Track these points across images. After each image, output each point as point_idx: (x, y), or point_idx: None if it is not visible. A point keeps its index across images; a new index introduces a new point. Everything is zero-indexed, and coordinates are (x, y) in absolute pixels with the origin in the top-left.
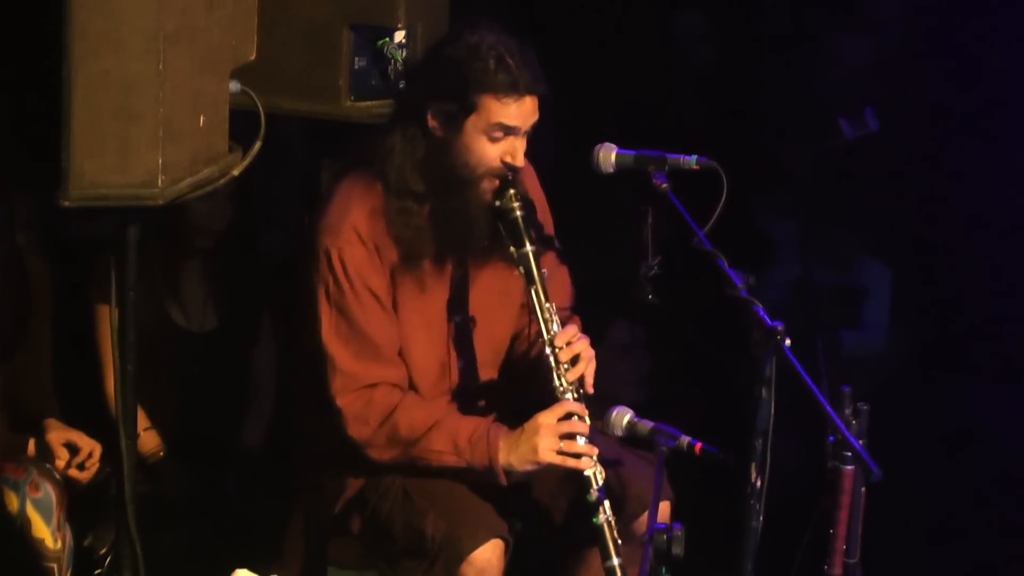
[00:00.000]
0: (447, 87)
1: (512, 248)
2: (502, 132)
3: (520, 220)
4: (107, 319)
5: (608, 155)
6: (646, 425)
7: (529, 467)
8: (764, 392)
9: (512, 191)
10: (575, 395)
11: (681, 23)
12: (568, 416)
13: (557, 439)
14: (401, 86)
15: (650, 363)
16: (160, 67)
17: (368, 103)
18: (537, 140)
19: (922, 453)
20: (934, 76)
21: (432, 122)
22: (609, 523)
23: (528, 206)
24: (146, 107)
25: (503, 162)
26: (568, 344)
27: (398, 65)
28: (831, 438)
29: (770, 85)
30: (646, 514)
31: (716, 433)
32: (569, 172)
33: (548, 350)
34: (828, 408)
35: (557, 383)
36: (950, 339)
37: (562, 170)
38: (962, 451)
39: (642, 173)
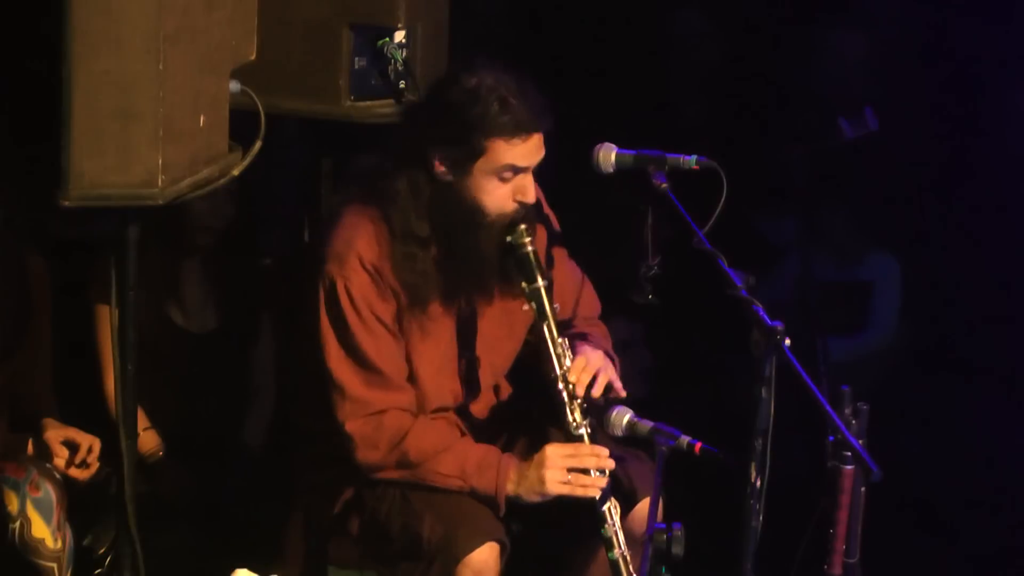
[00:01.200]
0: (451, 134)
1: (524, 283)
2: (512, 173)
3: (532, 255)
4: (107, 319)
5: (608, 155)
6: (646, 425)
7: (536, 498)
8: (764, 392)
9: (523, 226)
10: (588, 430)
11: (681, 22)
12: (580, 449)
13: (565, 471)
14: (401, 126)
15: (649, 358)
16: (160, 67)
17: (368, 103)
18: None
19: (922, 453)
20: (934, 75)
21: (439, 167)
22: (624, 558)
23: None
24: (146, 107)
25: (516, 201)
26: (580, 375)
27: (398, 65)
28: (831, 438)
29: (770, 84)
30: (638, 507)
31: (716, 433)
32: (569, 172)
33: (560, 385)
34: (828, 408)
35: (570, 419)
36: (950, 338)
37: (562, 170)
38: (962, 451)
39: (642, 173)
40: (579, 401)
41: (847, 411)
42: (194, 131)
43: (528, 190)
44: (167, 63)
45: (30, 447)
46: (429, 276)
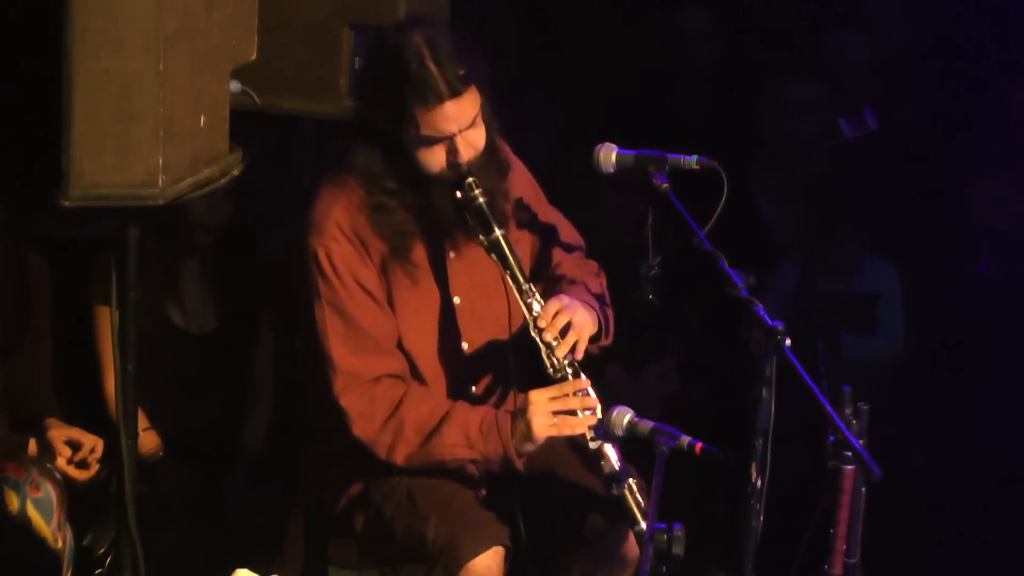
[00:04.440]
0: (379, 95)
1: (481, 236)
2: (438, 136)
3: (484, 207)
4: (107, 319)
5: (608, 155)
6: (646, 425)
7: (529, 446)
8: (764, 392)
9: (471, 180)
10: (570, 371)
11: (682, 21)
12: (563, 388)
13: (550, 414)
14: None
15: (677, 384)
16: (160, 67)
17: None
18: (537, 140)
19: (922, 453)
20: (935, 75)
21: (380, 129)
22: (630, 488)
23: (489, 191)
24: (146, 107)
25: (448, 162)
26: (553, 319)
27: None
28: (831, 438)
29: (770, 84)
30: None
31: (716, 433)
32: (569, 172)
33: (533, 333)
34: (828, 408)
35: (547, 364)
36: (951, 338)
37: (562, 170)
38: (963, 451)
39: (642, 173)
40: (555, 342)
41: (847, 411)
42: (194, 131)
43: (459, 151)
44: (167, 63)
45: (32, 447)
46: (407, 226)
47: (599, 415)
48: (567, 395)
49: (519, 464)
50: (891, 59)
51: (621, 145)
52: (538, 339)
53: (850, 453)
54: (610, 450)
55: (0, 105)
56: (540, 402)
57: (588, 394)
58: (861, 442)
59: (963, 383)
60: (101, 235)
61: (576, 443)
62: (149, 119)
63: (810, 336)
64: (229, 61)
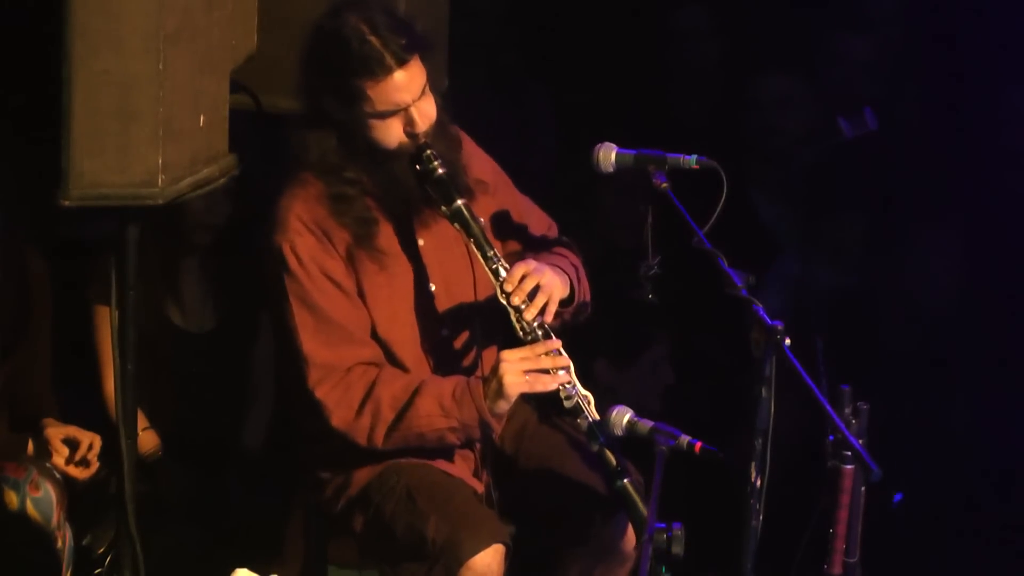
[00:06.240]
0: (326, 82)
1: (443, 207)
2: (394, 108)
3: (444, 177)
4: (107, 319)
5: (608, 155)
6: (646, 425)
7: (503, 404)
8: (764, 392)
9: (428, 152)
10: (540, 332)
11: (681, 21)
12: (535, 349)
13: (522, 372)
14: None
15: (672, 376)
16: (160, 67)
17: None
18: (537, 140)
19: (922, 453)
20: (934, 74)
21: (332, 114)
22: (609, 444)
23: (448, 163)
24: (146, 107)
25: (406, 133)
26: (520, 283)
27: None
28: (831, 437)
29: (769, 82)
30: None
31: (718, 433)
32: (569, 172)
33: (502, 298)
34: (828, 408)
35: (517, 328)
36: (951, 337)
37: (562, 170)
38: (962, 451)
39: (642, 173)
40: (524, 305)
41: (847, 411)
42: (194, 131)
43: (416, 121)
44: (167, 63)
45: (30, 447)
46: (369, 212)
47: (572, 374)
48: (539, 355)
49: (496, 426)
50: (891, 59)
51: (621, 145)
52: (506, 303)
53: (850, 453)
54: (587, 406)
55: (0, 104)
56: (512, 360)
57: (560, 353)
58: (861, 442)
59: (963, 383)
60: (101, 235)
61: (575, 441)
62: (149, 119)
63: (810, 335)
64: (229, 61)
